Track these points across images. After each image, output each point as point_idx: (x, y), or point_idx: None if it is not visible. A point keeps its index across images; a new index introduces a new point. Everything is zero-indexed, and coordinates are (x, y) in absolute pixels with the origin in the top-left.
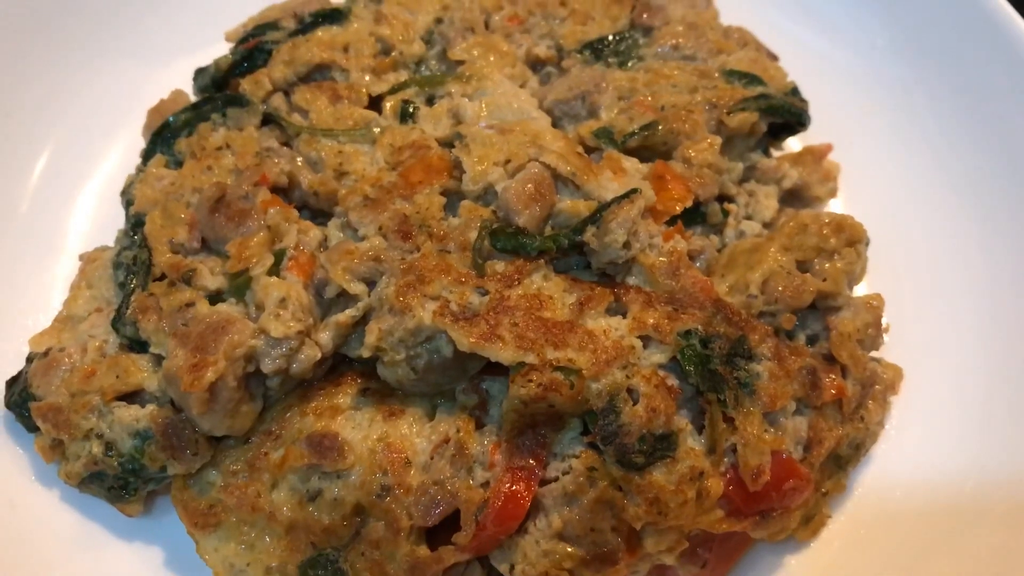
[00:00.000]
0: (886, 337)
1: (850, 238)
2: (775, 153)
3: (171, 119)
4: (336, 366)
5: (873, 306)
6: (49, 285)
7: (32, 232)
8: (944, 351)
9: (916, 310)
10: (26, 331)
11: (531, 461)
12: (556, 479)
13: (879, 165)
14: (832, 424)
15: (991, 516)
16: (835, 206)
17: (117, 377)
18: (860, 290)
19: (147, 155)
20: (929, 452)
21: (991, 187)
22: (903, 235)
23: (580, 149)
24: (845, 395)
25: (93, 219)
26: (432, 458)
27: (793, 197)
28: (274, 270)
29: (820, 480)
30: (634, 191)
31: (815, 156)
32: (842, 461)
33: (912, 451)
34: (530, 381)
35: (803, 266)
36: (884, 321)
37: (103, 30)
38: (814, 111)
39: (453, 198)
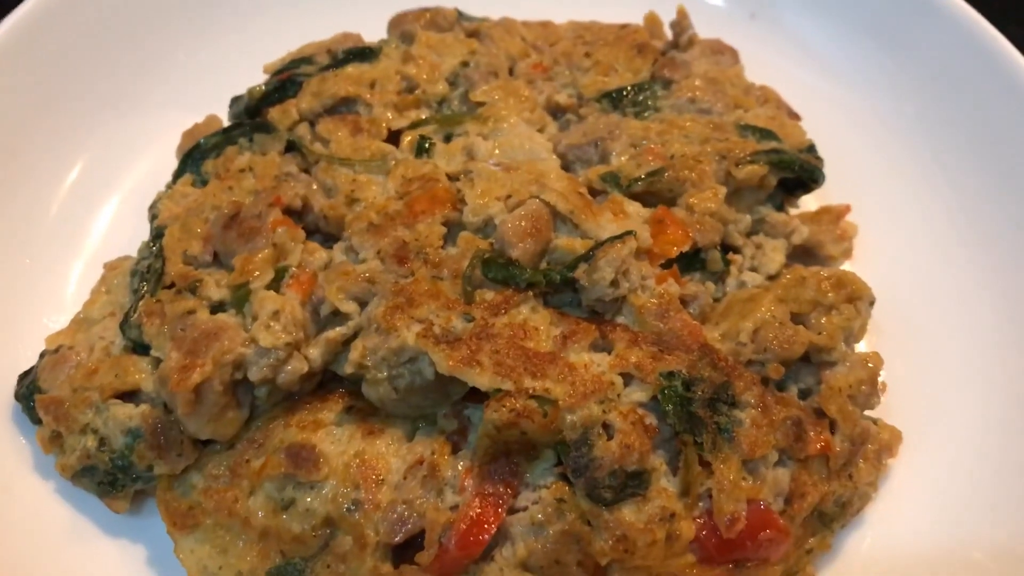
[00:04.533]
0: (890, 400)
1: (851, 295)
2: (791, 211)
3: (202, 141)
4: (326, 383)
5: (869, 365)
6: (70, 288)
7: (58, 238)
8: (951, 420)
9: (924, 376)
10: (47, 331)
11: (502, 488)
12: (526, 508)
13: (898, 230)
14: (817, 479)
15: None
16: (850, 267)
17: (116, 376)
18: (863, 350)
19: (177, 174)
20: (927, 521)
21: (1011, 261)
22: (916, 300)
23: (584, 191)
24: (831, 450)
25: (116, 228)
26: (405, 478)
27: (807, 255)
28: (274, 285)
29: (803, 536)
30: (628, 232)
31: (832, 216)
32: (827, 518)
33: (909, 519)
34: (503, 407)
35: (799, 319)
36: (882, 381)
37: (153, 66)
38: (838, 172)
39: (455, 229)
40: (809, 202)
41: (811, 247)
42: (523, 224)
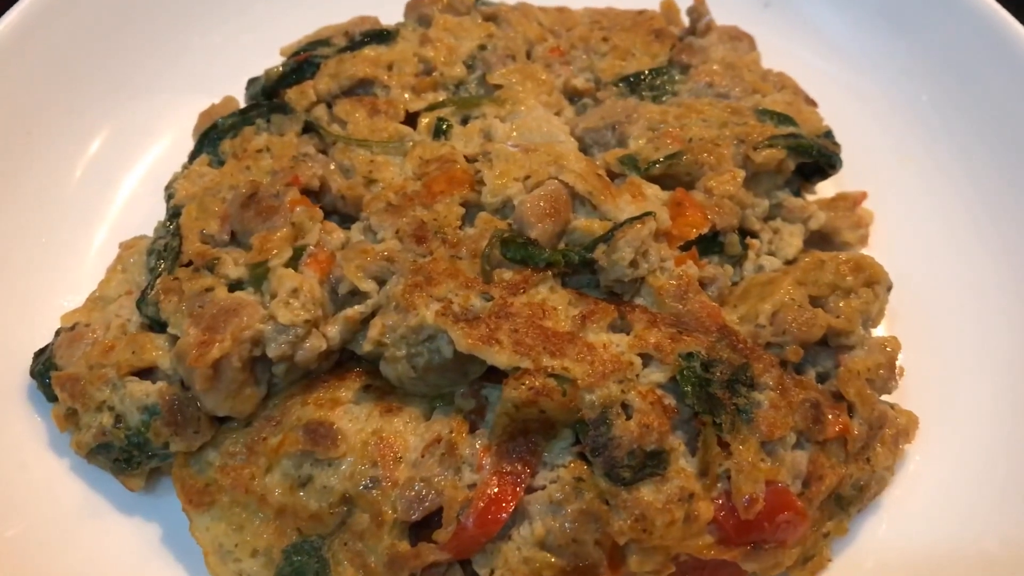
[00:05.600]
0: (906, 386)
1: (869, 279)
2: (808, 197)
3: (219, 121)
4: (344, 362)
5: (887, 348)
6: (86, 268)
7: (74, 218)
8: (966, 406)
9: (940, 363)
10: (62, 310)
11: (520, 467)
12: (544, 487)
13: (915, 216)
14: (835, 462)
15: None
16: (866, 254)
17: (133, 353)
18: (880, 335)
19: (194, 154)
20: (944, 508)
21: None
22: (932, 287)
23: (603, 173)
24: (850, 433)
25: (132, 209)
26: (423, 456)
27: (824, 241)
28: (292, 264)
29: (820, 519)
30: (648, 213)
31: (848, 203)
32: (844, 502)
33: (926, 504)
34: (522, 384)
35: (817, 302)
36: (900, 365)
37: (175, 38)
38: (854, 159)
39: (473, 210)
40: (825, 189)
41: (827, 233)
42: (542, 204)
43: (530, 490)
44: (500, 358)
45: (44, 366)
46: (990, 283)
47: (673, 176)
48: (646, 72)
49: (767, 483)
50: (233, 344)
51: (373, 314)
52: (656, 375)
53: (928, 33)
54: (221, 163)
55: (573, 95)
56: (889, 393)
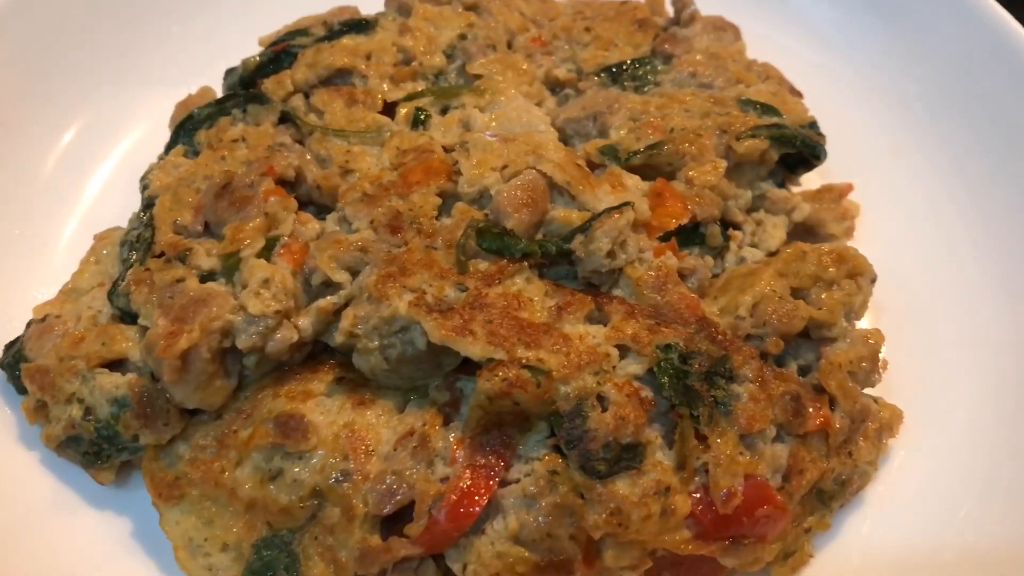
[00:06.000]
0: (890, 379)
1: (852, 270)
2: (793, 189)
3: (195, 112)
4: (317, 354)
5: (870, 341)
6: (59, 260)
7: (47, 209)
8: (951, 401)
9: (925, 356)
10: (35, 302)
11: (493, 460)
12: (518, 481)
13: (901, 209)
14: (816, 456)
15: None
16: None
17: (103, 344)
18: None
19: (170, 145)
20: (928, 504)
21: (1014, 242)
22: (918, 280)
23: (583, 163)
24: (831, 426)
25: (106, 200)
26: (395, 449)
27: (808, 233)
28: (265, 254)
29: (801, 514)
30: (626, 203)
31: (834, 194)
32: (826, 497)
33: (910, 500)
34: (496, 376)
35: (799, 293)
36: (883, 358)
37: (151, 27)
38: (840, 151)
39: (450, 200)
40: (811, 181)
41: (812, 225)
42: (519, 194)
43: (504, 484)
44: (474, 349)
45: (14, 358)
46: (976, 277)
47: (654, 167)
48: (628, 62)
49: (746, 477)
50: (202, 335)
51: (346, 305)
52: (633, 367)
53: (917, 23)
54: (197, 154)
55: (555, 85)
56: (872, 387)
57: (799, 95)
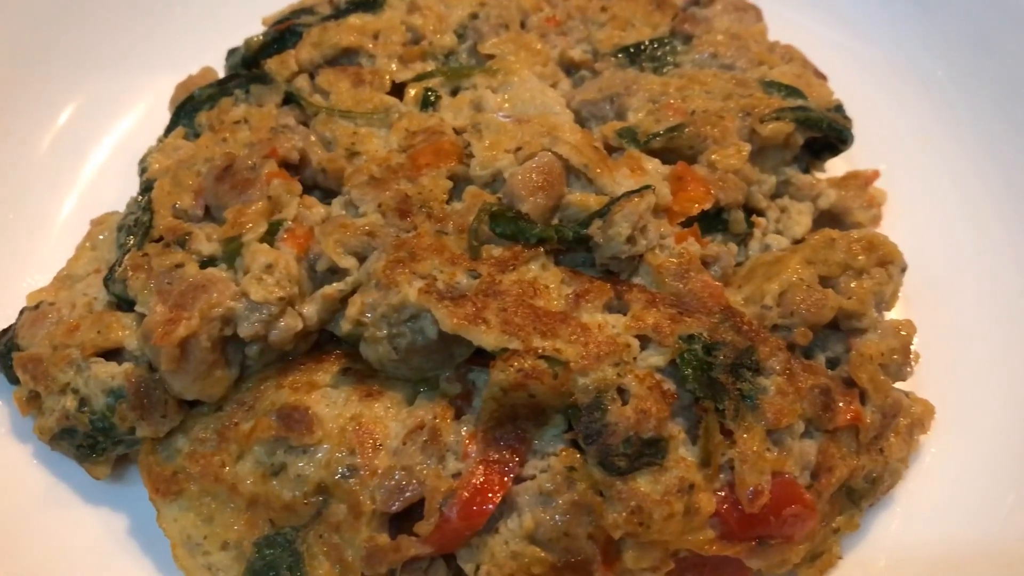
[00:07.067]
0: (922, 373)
1: (882, 258)
2: (817, 175)
3: (196, 93)
4: (322, 344)
5: (902, 332)
6: (54, 246)
7: (42, 194)
8: (983, 395)
9: (955, 349)
10: (28, 290)
11: (507, 455)
12: (533, 477)
13: (929, 196)
14: (846, 452)
15: None
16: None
17: (98, 332)
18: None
19: (170, 127)
20: (960, 503)
21: None
22: (947, 270)
23: (600, 145)
24: (862, 421)
25: (103, 185)
26: (404, 443)
27: (834, 221)
28: (268, 239)
29: (830, 514)
30: (647, 187)
31: (860, 181)
32: (856, 496)
33: (941, 499)
34: (511, 366)
35: (827, 282)
36: (914, 351)
37: (152, 5)
38: (866, 136)
39: (461, 184)
40: (836, 167)
41: (838, 213)
42: (534, 177)
43: (519, 480)
44: (487, 338)
45: (6, 347)
46: (1008, 266)
47: (674, 150)
48: (647, 43)
49: (773, 474)
50: (202, 322)
51: (353, 292)
52: (655, 358)
53: (944, 3)
54: (197, 136)
55: (570, 67)
56: (903, 380)
57: (823, 77)
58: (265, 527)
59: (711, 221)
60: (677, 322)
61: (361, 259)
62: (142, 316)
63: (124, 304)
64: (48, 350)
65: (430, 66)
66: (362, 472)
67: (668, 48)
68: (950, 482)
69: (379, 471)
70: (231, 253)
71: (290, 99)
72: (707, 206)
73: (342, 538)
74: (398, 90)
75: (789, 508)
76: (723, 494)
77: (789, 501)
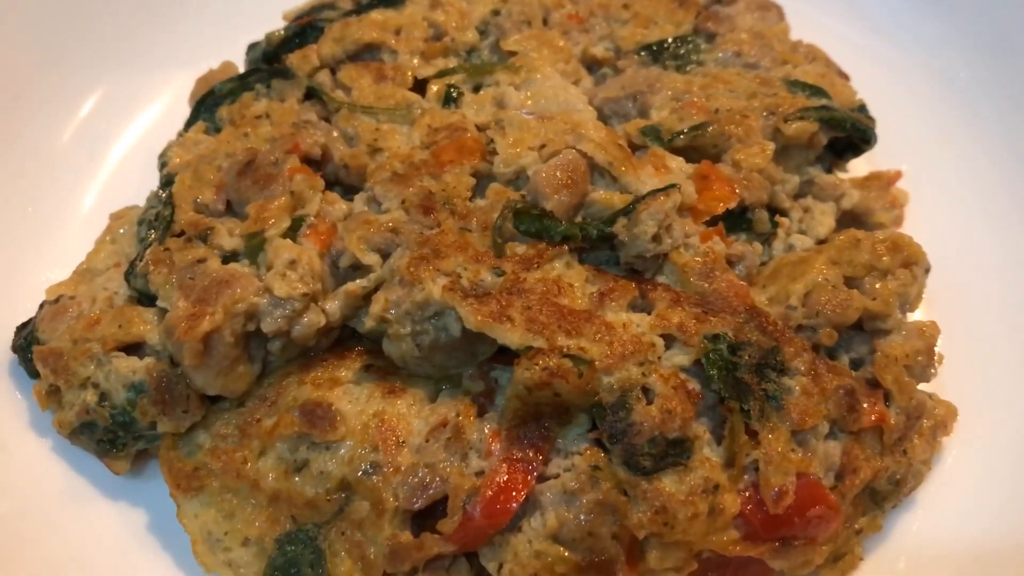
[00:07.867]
0: (945, 375)
1: (906, 259)
2: (840, 175)
3: (217, 87)
4: (345, 340)
5: (926, 333)
6: (73, 240)
7: (62, 188)
8: (1006, 398)
9: (978, 351)
10: (48, 284)
11: (531, 453)
12: (557, 476)
13: (952, 197)
14: (870, 454)
15: None
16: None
17: (120, 327)
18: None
19: (190, 121)
20: (982, 505)
21: None
22: (969, 272)
23: (624, 143)
24: (886, 423)
25: (122, 180)
26: (427, 440)
27: (856, 222)
28: (290, 235)
29: (853, 515)
30: (672, 185)
31: (882, 182)
32: (879, 497)
33: (963, 501)
34: (536, 365)
35: (852, 283)
36: (938, 352)
37: (165, 11)
38: (888, 137)
39: (484, 181)
40: (858, 167)
41: (860, 214)
42: (558, 175)
43: (542, 479)
44: (512, 337)
45: (26, 340)
46: None
47: (698, 148)
48: (670, 40)
49: (798, 475)
50: (225, 317)
51: (376, 289)
52: (679, 358)
53: (967, 4)
54: (218, 130)
55: (592, 64)
56: (927, 381)
57: (846, 77)
58: (287, 523)
59: (735, 220)
60: (702, 321)
61: (384, 256)
62: (163, 311)
63: (145, 299)
64: (68, 344)
65: (452, 62)
66: (385, 469)
67: (691, 46)
68: (972, 484)
69: (402, 468)
70: (253, 248)
71: (311, 94)
72: (732, 205)
73: (364, 535)
74: (420, 86)
75: (813, 509)
76: (747, 495)
77: (813, 502)
